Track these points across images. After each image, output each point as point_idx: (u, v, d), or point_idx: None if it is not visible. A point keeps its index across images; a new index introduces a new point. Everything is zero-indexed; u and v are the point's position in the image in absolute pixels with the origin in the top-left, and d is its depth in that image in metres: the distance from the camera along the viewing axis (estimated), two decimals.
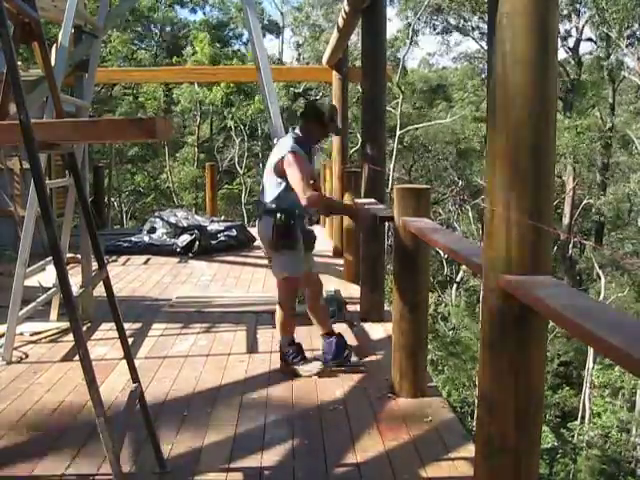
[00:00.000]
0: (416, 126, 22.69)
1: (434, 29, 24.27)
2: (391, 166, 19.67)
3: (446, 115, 23.32)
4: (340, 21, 7.03)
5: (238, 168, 24.54)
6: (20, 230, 4.55)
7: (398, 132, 20.70)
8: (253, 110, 22.32)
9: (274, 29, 27.74)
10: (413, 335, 3.61)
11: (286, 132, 4.30)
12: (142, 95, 23.64)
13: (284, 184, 3.86)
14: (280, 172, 3.85)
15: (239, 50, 25.38)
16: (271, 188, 3.91)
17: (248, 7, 4.76)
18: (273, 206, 3.89)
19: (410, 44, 22.84)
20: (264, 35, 26.71)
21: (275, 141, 4.55)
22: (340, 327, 4.63)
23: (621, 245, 21.53)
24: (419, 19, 23.16)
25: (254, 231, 9.78)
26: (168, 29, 26.31)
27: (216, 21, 26.78)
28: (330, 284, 5.98)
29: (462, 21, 23.63)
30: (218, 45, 23.32)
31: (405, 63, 22.66)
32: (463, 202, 23.10)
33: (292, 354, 4.03)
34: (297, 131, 4.03)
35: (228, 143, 26.20)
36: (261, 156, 25.70)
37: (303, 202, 3.79)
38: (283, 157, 3.83)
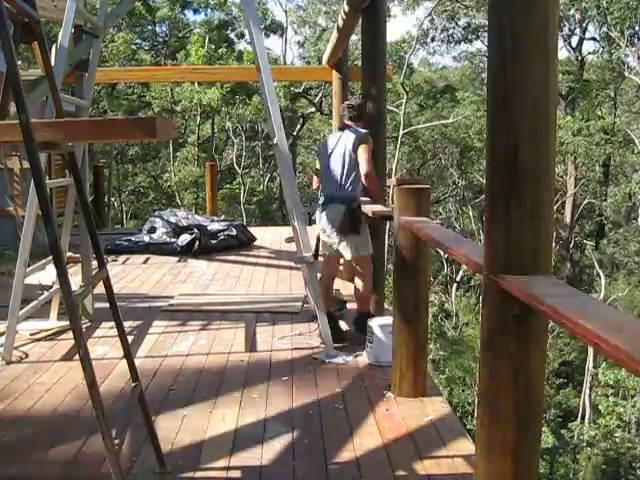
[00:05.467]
0: (419, 126, 22.65)
1: (452, 37, 24.17)
2: (394, 166, 19.62)
3: (448, 115, 23.29)
4: (340, 21, 7.03)
5: (237, 168, 24.52)
6: (20, 230, 4.55)
7: (401, 132, 20.65)
8: (251, 110, 22.30)
9: (278, 29, 27.65)
10: (413, 335, 3.62)
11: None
12: (148, 94, 23.53)
13: (354, 173, 4.44)
14: (354, 161, 4.41)
15: (245, 49, 25.15)
16: (343, 177, 4.46)
17: (247, 6, 4.74)
18: (345, 194, 4.46)
19: (415, 44, 22.78)
20: (267, 35, 26.64)
21: (275, 141, 4.53)
22: (341, 325, 4.65)
23: (624, 245, 21.49)
24: (436, 28, 23.11)
25: (254, 231, 9.79)
26: (168, 29, 26.22)
27: (217, 21, 26.68)
28: None
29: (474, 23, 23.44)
30: (212, 47, 23.16)
31: (407, 63, 22.55)
32: (463, 202, 23.10)
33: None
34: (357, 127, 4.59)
35: (229, 142, 26.16)
36: (260, 156, 25.69)
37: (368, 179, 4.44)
38: (359, 145, 4.41)
